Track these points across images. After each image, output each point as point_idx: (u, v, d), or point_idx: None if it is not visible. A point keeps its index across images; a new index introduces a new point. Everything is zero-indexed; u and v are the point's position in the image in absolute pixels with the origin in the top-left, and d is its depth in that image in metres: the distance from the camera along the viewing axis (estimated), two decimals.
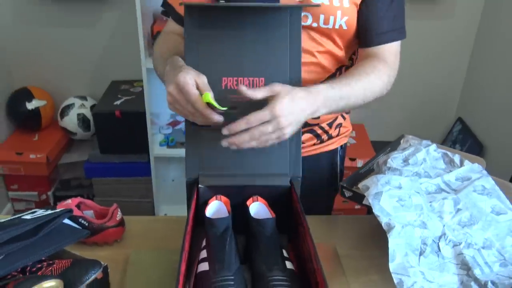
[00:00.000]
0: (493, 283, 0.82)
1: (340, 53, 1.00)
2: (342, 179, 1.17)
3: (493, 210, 0.95)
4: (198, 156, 0.93)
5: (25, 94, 2.23)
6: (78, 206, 1.06)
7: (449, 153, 1.11)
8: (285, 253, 0.85)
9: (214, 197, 0.91)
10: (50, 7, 2.20)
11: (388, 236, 0.87)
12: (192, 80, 0.80)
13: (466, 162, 1.08)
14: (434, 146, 1.11)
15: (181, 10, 1.02)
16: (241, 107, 0.85)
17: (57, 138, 2.30)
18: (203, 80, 0.82)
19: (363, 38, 0.98)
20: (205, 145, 0.93)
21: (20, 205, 2.31)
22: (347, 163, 2.14)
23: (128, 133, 2.09)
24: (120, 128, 2.09)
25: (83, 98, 2.29)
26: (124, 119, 2.07)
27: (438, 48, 2.39)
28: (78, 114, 2.23)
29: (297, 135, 0.92)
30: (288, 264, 0.82)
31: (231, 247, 0.82)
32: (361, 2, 0.94)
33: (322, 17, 0.93)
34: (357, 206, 2.11)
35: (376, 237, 1.04)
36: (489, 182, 1.01)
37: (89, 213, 1.08)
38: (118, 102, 2.15)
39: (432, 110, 2.53)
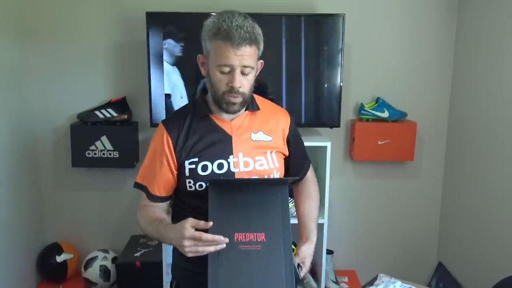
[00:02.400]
0: None
1: None
2: None
3: None
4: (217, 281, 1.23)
5: (56, 248, 2.55)
6: None
7: (413, 287, 1.41)
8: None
9: None
10: (84, 174, 2.66)
11: None
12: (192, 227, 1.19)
13: None
14: (399, 282, 1.41)
15: (154, 191, 1.40)
16: (251, 254, 1.21)
17: None
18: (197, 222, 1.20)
19: (292, 174, 1.51)
20: (222, 281, 1.23)
21: None
22: None
23: (147, 281, 2.35)
24: (139, 278, 2.36)
25: (106, 251, 2.60)
26: (143, 269, 2.35)
27: (411, 202, 2.80)
28: (101, 266, 2.51)
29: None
30: None
31: None
32: (285, 159, 1.47)
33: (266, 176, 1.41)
34: None
35: None
36: None
37: None
38: (137, 254, 2.46)
39: (415, 257, 2.83)
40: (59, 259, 2.52)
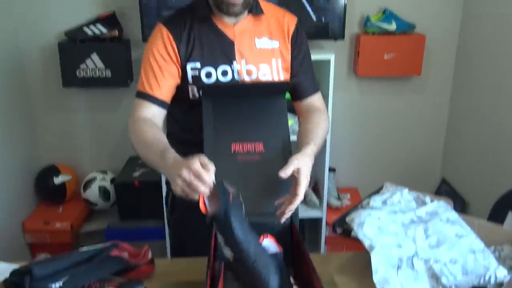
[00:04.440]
0: (456, 286, 1.02)
1: None
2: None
3: (456, 235, 1.17)
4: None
5: (53, 170, 2.51)
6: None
7: (420, 194, 1.35)
8: (292, 281, 1.06)
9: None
10: (77, 94, 2.55)
11: (370, 254, 1.09)
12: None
13: (435, 201, 1.32)
14: (406, 190, 1.36)
15: (160, 95, 1.25)
16: (250, 167, 1.15)
17: (79, 209, 2.53)
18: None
19: (298, 95, 1.38)
20: None
21: None
22: None
23: (145, 201, 2.33)
24: (138, 197, 2.34)
25: (104, 172, 2.55)
26: (142, 188, 2.32)
27: (417, 118, 2.71)
28: (100, 187, 2.48)
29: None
30: None
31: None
32: (290, 74, 1.34)
33: None
34: None
35: (363, 269, 1.24)
36: (453, 215, 1.25)
37: (124, 254, 1.30)
38: (136, 174, 2.42)
39: (418, 173, 2.79)
40: (57, 180, 2.48)
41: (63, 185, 2.50)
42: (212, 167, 0.98)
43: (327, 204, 2.43)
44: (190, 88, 1.28)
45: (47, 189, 2.51)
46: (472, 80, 2.44)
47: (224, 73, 1.28)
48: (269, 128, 1.23)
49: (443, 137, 2.75)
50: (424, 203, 1.32)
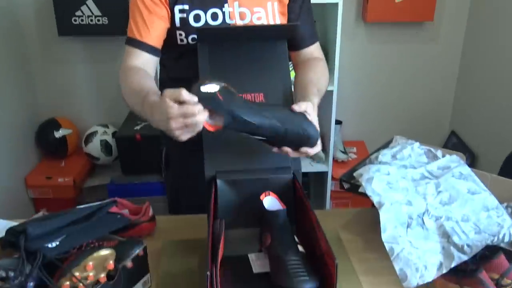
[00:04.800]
0: (468, 245, 0.98)
1: None
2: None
3: (469, 191, 1.12)
4: (214, 156, 1.11)
5: (53, 124, 2.45)
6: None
7: (432, 149, 1.29)
8: (296, 239, 1.02)
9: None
10: (74, 44, 2.45)
11: (379, 211, 1.04)
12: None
13: (447, 155, 1.26)
14: (417, 144, 1.29)
15: (151, 41, 1.16)
16: None
17: (81, 164, 2.50)
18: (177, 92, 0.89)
19: (295, 44, 1.27)
20: (220, 147, 1.11)
21: None
22: None
23: (147, 155, 2.28)
24: (140, 151, 2.29)
25: (105, 126, 2.50)
26: (143, 142, 2.27)
27: (428, 67, 2.60)
28: (101, 140, 2.44)
29: None
30: (300, 248, 0.98)
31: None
32: (287, 20, 1.24)
33: None
34: None
35: (370, 224, 1.20)
36: (465, 169, 1.19)
37: (125, 211, 1.26)
38: (137, 128, 2.36)
39: (427, 125, 2.72)
40: (57, 134, 2.43)
41: (64, 139, 2.45)
42: (189, 96, 0.88)
43: (333, 158, 2.38)
44: (177, 33, 1.19)
45: (48, 143, 2.46)
46: (486, 28, 2.31)
47: (214, 16, 1.18)
48: (270, 77, 1.14)
49: (453, 87, 2.65)
50: (435, 157, 1.26)
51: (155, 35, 1.18)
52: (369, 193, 1.07)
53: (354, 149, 2.59)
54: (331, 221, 1.27)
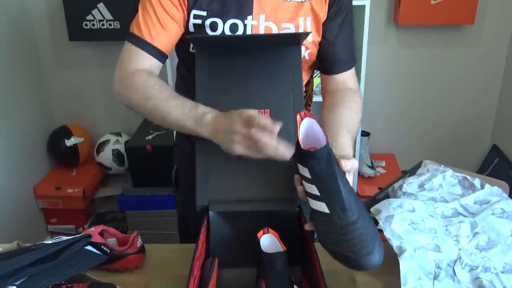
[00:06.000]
0: None
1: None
2: None
3: None
4: (208, 184, 0.96)
5: (64, 132, 2.37)
6: (101, 234, 1.11)
7: (468, 177, 1.08)
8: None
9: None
10: (86, 49, 2.36)
11: (399, 259, 0.85)
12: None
13: (487, 186, 1.05)
14: (450, 171, 1.09)
15: (161, 45, 1.03)
16: None
17: (93, 173, 2.41)
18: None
19: (329, 68, 1.13)
20: (214, 173, 0.96)
21: None
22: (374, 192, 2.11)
23: (158, 166, 2.16)
24: (151, 162, 2.17)
25: (118, 134, 2.40)
26: (154, 153, 2.15)
27: (467, 75, 2.37)
28: (113, 150, 2.33)
29: None
30: None
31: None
32: (322, 39, 1.09)
33: None
34: None
35: (394, 264, 1.02)
36: (509, 205, 0.98)
37: (111, 241, 1.13)
38: (149, 137, 2.24)
39: (465, 138, 2.48)
40: (69, 142, 2.35)
41: (75, 147, 2.37)
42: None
43: (359, 174, 2.19)
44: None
45: (59, 152, 2.39)
46: None
47: (234, 27, 1.02)
48: (279, 90, 0.98)
49: (496, 97, 2.40)
50: (472, 187, 1.06)
51: (166, 39, 1.04)
52: (387, 235, 0.89)
53: (383, 163, 2.39)
54: None
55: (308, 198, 0.83)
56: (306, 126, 0.84)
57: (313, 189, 0.81)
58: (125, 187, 2.28)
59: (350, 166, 0.84)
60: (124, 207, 2.26)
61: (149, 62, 1.04)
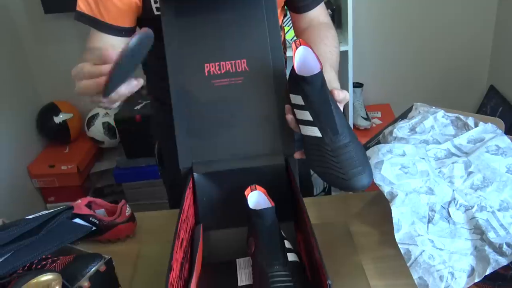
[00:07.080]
0: (508, 245, 0.76)
1: None
2: None
3: (509, 170, 0.88)
4: (190, 145, 0.93)
5: (52, 108, 2.32)
6: (89, 205, 1.08)
7: (461, 116, 1.04)
8: (287, 244, 0.82)
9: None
10: (63, 21, 2.27)
11: (390, 205, 0.83)
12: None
13: (481, 123, 1.01)
14: (442, 112, 1.05)
15: (109, 19, 0.97)
16: (232, 93, 0.90)
17: (86, 149, 2.37)
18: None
19: (300, 6, 1.09)
20: (196, 132, 0.92)
21: None
22: None
23: (150, 136, 2.12)
24: (141, 132, 2.13)
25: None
26: (144, 122, 2.11)
27: (460, 14, 2.28)
28: (103, 123, 2.29)
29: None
30: (291, 256, 0.79)
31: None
32: None
33: None
34: None
35: (388, 212, 0.99)
36: (504, 141, 0.94)
37: (100, 212, 1.10)
38: (138, 107, 2.19)
39: (462, 80, 2.41)
40: (58, 119, 2.30)
41: (65, 124, 2.33)
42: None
43: (354, 126, 2.15)
44: (152, 1, 0.98)
45: (48, 129, 2.34)
46: None
47: None
48: (254, 37, 0.92)
49: (491, 34, 2.32)
50: (466, 126, 1.02)
51: (127, 17, 0.98)
52: (377, 182, 0.86)
53: (379, 114, 2.34)
54: (341, 209, 1.08)
55: (300, 125, 0.83)
56: (301, 54, 0.83)
57: (305, 115, 0.81)
58: (119, 160, 2.25)
59: (342, 96, 0.83)
60: (120, 180, 2.23)
61: (104, 41, 0.99)
